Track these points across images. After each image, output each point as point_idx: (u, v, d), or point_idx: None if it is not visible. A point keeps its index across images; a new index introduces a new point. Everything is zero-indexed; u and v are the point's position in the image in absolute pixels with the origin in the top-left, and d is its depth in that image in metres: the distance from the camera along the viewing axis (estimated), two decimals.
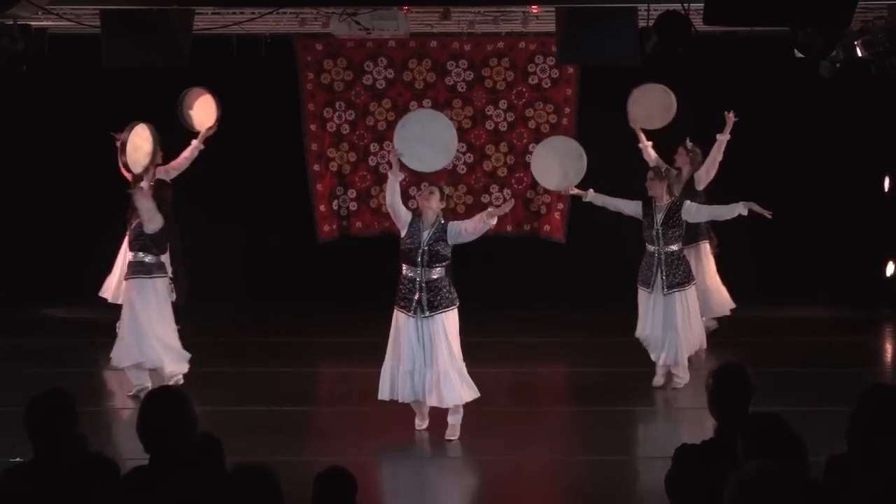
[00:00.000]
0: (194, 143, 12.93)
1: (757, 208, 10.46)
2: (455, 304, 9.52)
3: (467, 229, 9.40)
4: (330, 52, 15.08)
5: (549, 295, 14.61)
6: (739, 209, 10.53)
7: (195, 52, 10.57)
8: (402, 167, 9.82)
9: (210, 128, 13.01)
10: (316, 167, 15.23)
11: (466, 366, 9.66)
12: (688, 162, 12.41)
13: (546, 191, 14.65)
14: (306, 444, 9.61)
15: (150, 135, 11.60)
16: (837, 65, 11.95)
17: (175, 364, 10.86)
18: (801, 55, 11.24)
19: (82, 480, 4.75)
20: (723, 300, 12.73)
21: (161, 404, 4.60)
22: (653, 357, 11.10)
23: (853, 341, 13.14)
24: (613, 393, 10.95)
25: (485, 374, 11.64)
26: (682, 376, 11.10)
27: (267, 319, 13.96)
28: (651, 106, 12.67)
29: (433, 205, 9.50)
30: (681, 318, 10.84)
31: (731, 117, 12.23)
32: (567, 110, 15.08)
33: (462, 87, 15.13)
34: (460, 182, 15.21)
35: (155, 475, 4.52)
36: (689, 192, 12.02)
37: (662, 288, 10.81)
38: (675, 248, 10.85)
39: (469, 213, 15.13)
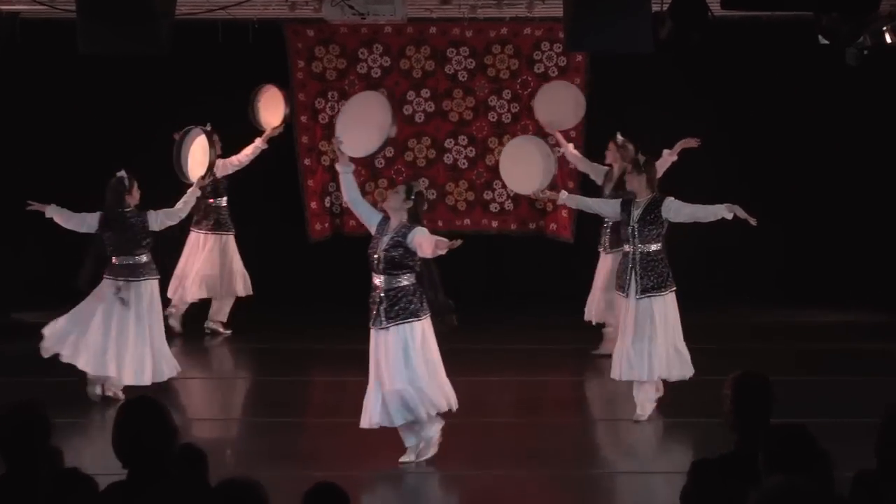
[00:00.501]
0: (257, 141, 13.11)
1: (741, 213, 9.95)
2: (418, 317, 9.04)
3: (422, 247, 8.93)
4: (322, 39, 15.07)
5: (557, 297, 14.58)
6: (723, 212, 9.98)
7: (177, 39, 10.55)
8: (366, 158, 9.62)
9: (276, 128, 13.13)
10: (307, 161, 15.22)
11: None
12: (618, 158, 12.23)
13: (553, 186, 14.66)
14: (296, 458, 9.59)
15: (209, 144, 11.57)
16: (864, 52, 11.95)
17: (93, 366, 10.79)
18: (825, 41, 11.24)
19: (57, 497, 4.73)
20: None
21: (137, 414, 4.58)
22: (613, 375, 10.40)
23: (882, 348, 13.10)
24: (623, 403, 10.91)
25: (487, 382, 11.64)
26: (645, 406, 10.41)
27: (255, 324, 13.93)
28: (560, 106, 12.58)
29: (391, 204, 9.13)
30: (651, 329, 10.17)
31: (688, 142, 11.90)
32: None
33: (463, 76, 15.12)
34: (461, 178, 15.20)
35: (133, 491, 4.51)
36: (620, 191, 11.89)
37: (635, 292, 10.24)
38: (653, 248, 10.28)
39: (471, 210, 15.16)
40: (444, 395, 9.21)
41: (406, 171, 15.04)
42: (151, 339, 10.85)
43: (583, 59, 14.93)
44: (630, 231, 10.33)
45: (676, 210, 10.21)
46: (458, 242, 8.86)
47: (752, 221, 9.99)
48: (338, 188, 15.11)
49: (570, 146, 12.59)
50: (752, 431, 5.02)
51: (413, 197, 9.14)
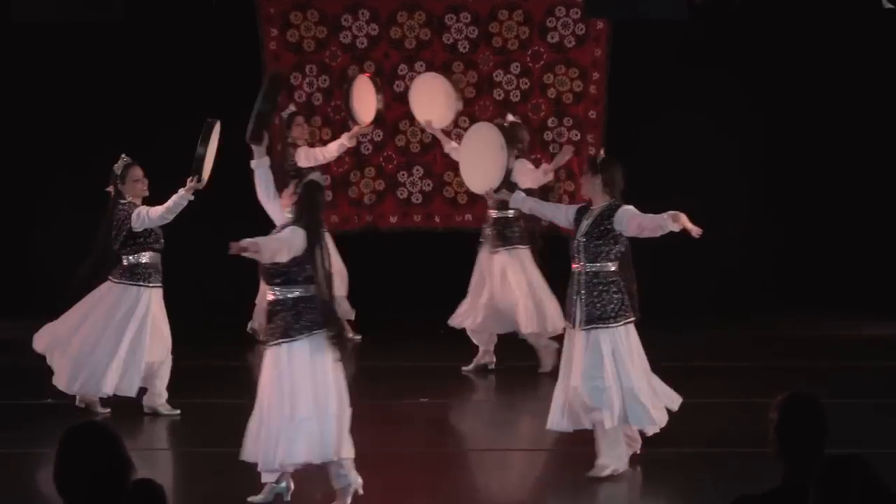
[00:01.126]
0: (343, 139, 13.16)
1: (685, 223, 9.34)
2: (290, 338, 8.49)
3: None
4: (298, 3, 15.09)
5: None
6: (669, 224, 9.32)
7: (130, 2, 10.59)
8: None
9: (364, 126, 13.11)
10: (279, 147, 15.24)
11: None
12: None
13: (569, 177, 14.70)
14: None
15: (206, 138, 11.67)
16: None
17: (62, 375, 11.05)
18: (890, 5, 11.26)
19: None
20: (559, 314, 12.06)
21: (82, 443, 4.58)
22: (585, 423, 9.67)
23: None
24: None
25: (490, 402, 11.66)
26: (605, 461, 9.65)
27: (224, 335, 13.97)
28: (433, 101, 12.66)
29: (283, 201, 8.92)
30: (611, 367, 9.48)
31: (567, 148, 11.71)
32: (595, 76, 15.10)
33: (464, 47, 15.14)
34: None
35: None
36: (506, 184, 11.85)
37: (580, 321, 9.58)
38: (603, 268, 9.61)
39: (472, 204, 15.16)
40: (312, 443, 8.52)
41: (397, 158, 15.06)
42: (126, 350, 11.01)
43: (604, 26, 14.96)
44: (576, 245, 9.71)
45: (627, 221, 9.53)
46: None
47: (695, 233, 9.40)
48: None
49: (453, 144, 12.60)
50: (801, 462, 5.03)
51: (299, 189, 8.74)
